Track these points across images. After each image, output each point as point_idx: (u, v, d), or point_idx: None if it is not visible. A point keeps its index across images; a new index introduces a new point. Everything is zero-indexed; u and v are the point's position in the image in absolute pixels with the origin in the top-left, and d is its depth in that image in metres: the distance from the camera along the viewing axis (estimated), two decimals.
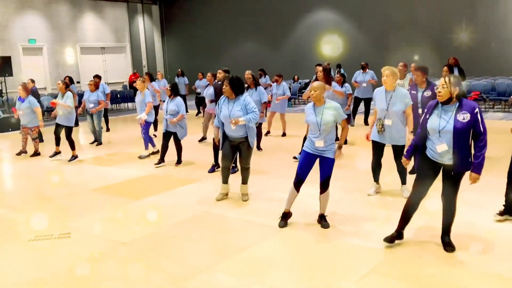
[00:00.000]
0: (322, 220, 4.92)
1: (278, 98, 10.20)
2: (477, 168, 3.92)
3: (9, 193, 7.04)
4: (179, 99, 7.79)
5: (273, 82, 10.81)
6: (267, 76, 13.21)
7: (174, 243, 4.66)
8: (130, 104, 18.25)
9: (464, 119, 3.85)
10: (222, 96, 5.79)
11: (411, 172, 6.09)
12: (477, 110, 3.89)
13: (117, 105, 18.38)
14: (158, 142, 9.08)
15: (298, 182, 4.83)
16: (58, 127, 8.81)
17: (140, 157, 8.69)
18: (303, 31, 18.91)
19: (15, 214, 5.77)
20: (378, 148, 5.76)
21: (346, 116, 4.74)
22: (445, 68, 8.40)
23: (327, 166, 4.74)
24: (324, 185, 4.78)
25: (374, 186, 5.98)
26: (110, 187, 6.88)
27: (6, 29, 17.53)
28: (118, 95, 18.05)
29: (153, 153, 8.86)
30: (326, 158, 4.75)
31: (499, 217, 4.88)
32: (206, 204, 5.84)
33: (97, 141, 10.39)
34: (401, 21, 16.14)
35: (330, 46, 17.99)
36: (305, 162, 4.80)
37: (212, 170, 7.36)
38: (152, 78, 11.80)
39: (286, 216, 4.98)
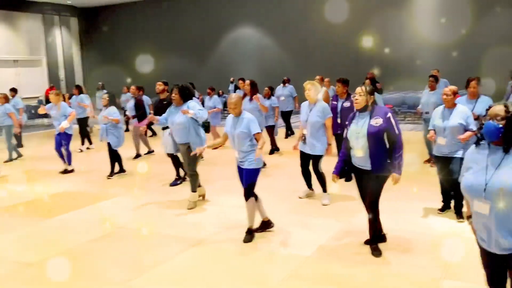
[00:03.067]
0: (247, 233, 4.76)
1: (209, 111, 10.22)
2: (396, 168, 4.08)
3: None
4: (113, 107, 7.80)
5: (206, 95, 11.01)
6: (195, 90, 13.20)
7: (86, 261, 4.42)
8: (46, 120, 17.27)
9: (376, 123, 4.03)
10: (172, 105, 6.03)
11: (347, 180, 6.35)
12: (389, 115, 4.06)
13: (33, 121, 17.29)
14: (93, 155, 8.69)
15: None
16: None
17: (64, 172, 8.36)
18: (227, 47, 19.09)
19: None
20: (301, 157, 5.97)
21: (259, 130, 4.72)
22: (367, 81, 8.80)
23: (247, 176, 4.69)
24: (247, 193, 4.69)
25: (306, 190, 6.18)
26: (20, 205, 6.42)
27: None
28: (33, 110, 17.01)
29: (66, 171, 8.39)
30: (245, 169, 4.70)
31: (442, 213, 5.32)
32: (122, 220, 5.63)
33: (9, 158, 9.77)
34: (321, 37, 16.82)
35: (254, 61, 18.32)
36: (239, 174, 4.81)
37: (174, 184, 7.13)
38: (81, 91, 11.42)
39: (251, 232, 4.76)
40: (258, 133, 4.65)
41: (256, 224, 4.85)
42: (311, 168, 6.00)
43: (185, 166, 6.18)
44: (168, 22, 19.90)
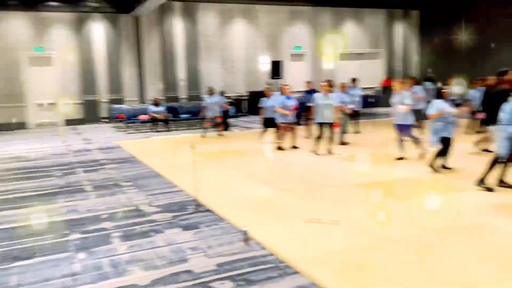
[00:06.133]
0: None
1: None
2: None
3: (279, 177, 7.81)
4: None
5: None
6: None
7: (443, 250, 4.37)
8: (382, 109, 18.27)
9: None
10: None
11: None
12: None
13: (370, 109, 18.58)
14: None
15: None
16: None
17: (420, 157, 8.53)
18: None
19: (286, 196, 6.42)
20: None
21: None
22: None
23: None
24: None
25: None
26: (372, 184, 6.98)
27: (278, 38, 19.87)
28: (370, 99, 18.39)
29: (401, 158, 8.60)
30: None
31: None
32: (483, 214, 5.32)
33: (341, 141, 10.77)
34: None
35: None
36: None
37: None
38: (417, 83, 11.69)
39: None
40: None
41: None
42: None
43: None
44: None
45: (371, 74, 21.30)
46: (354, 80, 13.29)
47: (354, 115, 12.34)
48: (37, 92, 16.93)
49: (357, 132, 12.58)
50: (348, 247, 4.49)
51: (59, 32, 17.05)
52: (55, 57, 17.08)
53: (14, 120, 16.60)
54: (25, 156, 10.70)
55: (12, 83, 16.55)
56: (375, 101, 19.06)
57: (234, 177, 7.81)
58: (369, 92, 19.98)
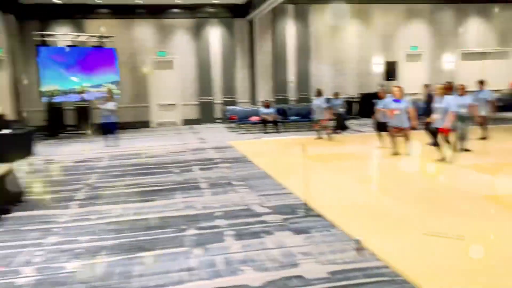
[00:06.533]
0: None
1: None
2: None
3: (393, 184, 7.42)
4: None
5: None
6: None
7: None
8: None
9: None
10: None
11: None
12: None
13: (498, 114, 16.91)
14: None
15: None
16: None
17: None
18: None
19: (401, 205, 6.05)
20: None
21: None
22: None
23: None
24: None
25: None
26: (501, 197, 6.30)
27: (393, 37, 19.04)
28: (497, 103, 16.72)
29: None
30: None
31: None
32: None
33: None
34: None
35: None
36: None
37: None
38: None
39: None
40: None
41: None
42: None
43: None
44: None
45: (498, 75, 19.36)
46: (481, 82, 12.15)
47: (482, 121, 11.32)
48: (159, 93, 18.25)
49: (484, 138, 11.51)
50: (474, 267, 4.07)
51: (179, 37, 18.19)
52: (176, 61, 18.25)
53: (138, 119, 18.05)
54: (146, 152, 11.55)
55: (138, 85, 18.03)
56: (503, 105, 17.32)
57: (345, 182, 7.60)
58: (497, 95, 18.20)
